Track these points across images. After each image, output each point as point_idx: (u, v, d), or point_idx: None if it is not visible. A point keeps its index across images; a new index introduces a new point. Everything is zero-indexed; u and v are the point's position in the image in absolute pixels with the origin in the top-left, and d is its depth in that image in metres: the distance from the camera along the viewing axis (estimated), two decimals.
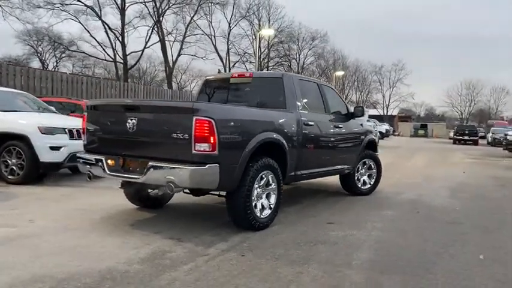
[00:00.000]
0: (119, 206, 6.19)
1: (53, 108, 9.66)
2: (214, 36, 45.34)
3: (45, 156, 7.73)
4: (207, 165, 4.48)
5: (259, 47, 44.43)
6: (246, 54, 48.43)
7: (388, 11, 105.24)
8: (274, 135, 5.32)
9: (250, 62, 47.64)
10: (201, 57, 42.25)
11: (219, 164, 4.55)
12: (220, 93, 6.86)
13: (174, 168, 4.51)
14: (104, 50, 39.75)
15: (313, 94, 6.79)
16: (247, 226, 5.09)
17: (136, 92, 21.31)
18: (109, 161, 5.07)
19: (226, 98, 6.71)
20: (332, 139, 6.87)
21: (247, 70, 48.54)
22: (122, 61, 39.10)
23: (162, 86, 47.34)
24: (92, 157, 5.22)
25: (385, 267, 4.04)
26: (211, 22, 44.58)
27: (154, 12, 38.68)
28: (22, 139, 7.72)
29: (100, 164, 5.10)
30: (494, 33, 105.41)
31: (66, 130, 8.05)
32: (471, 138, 38.36)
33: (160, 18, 39.28)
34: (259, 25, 47.41)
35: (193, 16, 41.79)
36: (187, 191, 5.23)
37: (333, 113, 7.12)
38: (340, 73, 55.55)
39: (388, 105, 74.55)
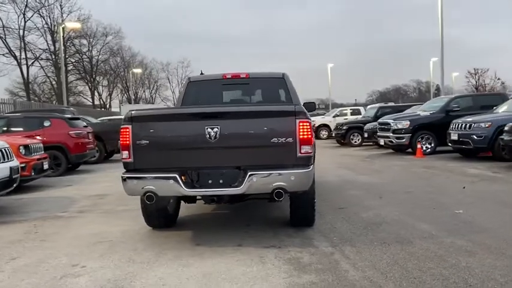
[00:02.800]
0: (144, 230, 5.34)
1: None
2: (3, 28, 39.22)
3: None
4: (311, 167, 4.45)
5: (55, 42, 40.02)
6: (42, 50, 43.09)
7: (175, 7, 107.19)
8: None
9: (47, 59, 42.54)
10: None
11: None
12: (211, 95, 6.47)
13: (283, 173, 4.30)
14: None
15: None
16: (310, 222, 5.15)
17: None
18: (183, 177, 4.40)
19: (220, 99, 6.41)
20: None
21: (42, 68, 43.09)
22: None
23: None
24: (160, 175, 4.41)
25: None
26: None
27: None
28: None
29: (172, 182, 4.36)
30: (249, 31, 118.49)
31: None
32: None
33: None
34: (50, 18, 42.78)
35: None
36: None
37: None
38: (137, 70, 54.46)
39: None
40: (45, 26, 43.78)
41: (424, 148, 13.62)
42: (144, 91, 70.70)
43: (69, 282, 3.72)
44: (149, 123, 4.50)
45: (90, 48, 52.19)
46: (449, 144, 12.67)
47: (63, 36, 36.46)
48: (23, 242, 5.05)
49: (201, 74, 6.62)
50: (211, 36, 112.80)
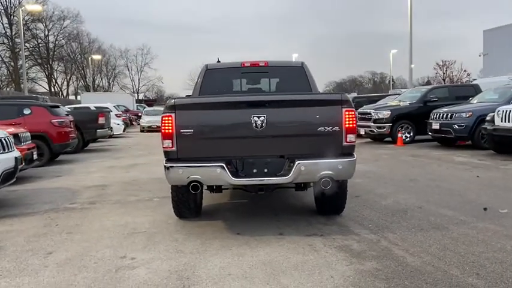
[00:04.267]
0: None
1: None
2: None
3: None
4: (355, 156, 4.51)
5: (11, 25, 37.84)
6: None
7: None
8: None
9: (3, 44, 40.09)
10: None
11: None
12: (230, 83, 6.38)
13: (331, 162, 4.34)
14: None
15: None
16: (340, 210, 5.23)
17: None
18: (228, 166, 4.33)
19: (240, 87, 6.32)
20: None
21: None
22: None
23: None
24: (207, 164, 4.32)
25: None
26: None
27: None
28: None
29: (219, 171, 4.29)
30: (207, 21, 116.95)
31: None
32: None
33: None
34: None
35: None
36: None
37: None
38: (96, 57, 52.59)
39: (138, 89, 74.84)
40: (0, 8, 41.41)
41: (404, 137, 14.06)
42: (101, 78, 68.63)
43: (129, 275, 3.60)
44: (193, 111, 4.40)
45: (47, 33, 49.86)
46: (430, 133, 13.14)
47: (22, 19, 34.56)
48: (49, 236, 4.82)
49: (218, 61, 6.49)
50: (172, 24, 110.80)
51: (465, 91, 15.19)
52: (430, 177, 7.82)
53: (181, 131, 4.33)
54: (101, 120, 14.78)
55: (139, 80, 73.29)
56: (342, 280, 3.40)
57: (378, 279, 3.39)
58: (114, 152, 14.57)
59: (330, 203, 5.13)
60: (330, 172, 4.31)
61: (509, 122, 10.18)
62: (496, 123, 10.44)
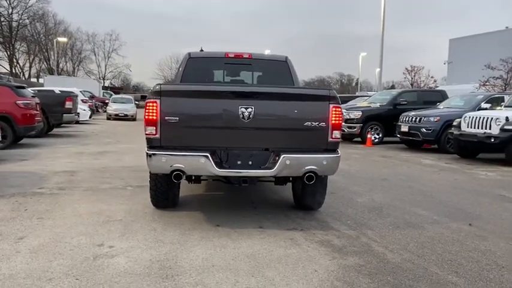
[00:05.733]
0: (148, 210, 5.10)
1: None
2: None
3: None
4: (339, 152, 4.54)
5: None
6: None
7: None
8: None
9: None
10: None
11: None
12: (212, 73, 6.28)
13: (316, 157, 4.34)
14: None
15: None
16: (319, 205, 5.26)
17: None
18: (213, 156, 4.26)
19: (222, 78, 6.23)
20: None
21: None
22: None
23: None
24: (192, 154, 4.22)
25: None
26: None
27: None
28: None
29: (203, 160, 4.21)
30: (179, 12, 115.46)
31: None
32: None
33: None
34: None
35: None
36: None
37: None
38: (62, 39, 50.81)
39: (105, 76, 72.91)
40: None
41: (373, 138, 14.33)
42: (66, 62, 66.34)
43: (108, 263, 3.49)
44: (179, 98, 4.29)
45: (11, 11, 47.76)
46: (398, 135, 13.46)
47: None
48: (18, 220, 4.60)
49: (201, 50, 6.37)
50: (143, 11, 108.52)
51: (433, 96, 15.63)
52: (401, 178, 8.00)
53: (166, 118, 4.22)
54: (68, 104, 14.30)
55: (106, 66, 71.22)
56: (326, 274, 3.41)
57: (361, 275, 3.42)
58: (80, 138, 14.13)
59: (310, 197, 5.15)
60: (315, 167, 4.31)
61: (475, 128, 10.56)
62: (462, 129, 10.80)
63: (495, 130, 10.09)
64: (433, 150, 12.62)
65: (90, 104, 25.34)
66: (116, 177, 7.16)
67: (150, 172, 4.86)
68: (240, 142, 4.36)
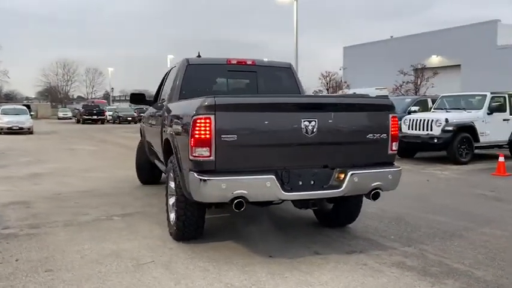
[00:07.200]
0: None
1: None
2: None
3: None
4: (398, 165, 4.26)
5: None
6: None
7: None
8: None
9: None
10: None
11: None
12: (215, 82, 5.60)
13: (382, 172, 4.01)
14: None
15: None
16: (354, 219, 4.95)
17: None
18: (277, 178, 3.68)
19: (225, 87, 5.59)
20: None
21: None
22: None
23: None
24: (257, 177, 3.58)
25: None
26: None
27: None
28: None
29: (269, 184, 3.60)
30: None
31: None
32: (99, 117, 40.00)
33: None
34: None
35: None
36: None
37: None
38: None
39: None
40: None
41: None
42: None
43: None
44: (237, 113, 3.65)
45: None
46: None
47: None
48: (20, 276, 3.55)
49: (199, 56, 5.65)
50: (19, 11, 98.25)
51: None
52: None
53: (222, 136, 3.55)
54: None
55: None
56: None
57: None
58: None
59: (348, 215, 4.81)
60: (381, 183, 3.99)
61: (416, 129, 11.18)
62: (404, 131, 11.32)
63: (437, 131, 10.76)
64: None
65: None
66: (85, 206, 6.07)
67: (177, 200, 4.13)
68: (302, 160, 3.86)
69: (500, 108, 11.44)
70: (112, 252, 4.15)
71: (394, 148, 4.13)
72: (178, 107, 4.51)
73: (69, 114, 53.33)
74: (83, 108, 41.79)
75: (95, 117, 39.62)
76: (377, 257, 4.02)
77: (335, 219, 4.89)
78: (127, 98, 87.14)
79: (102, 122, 40.01)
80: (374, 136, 4.00)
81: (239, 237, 4.61)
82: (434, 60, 33.32)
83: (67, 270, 3.68)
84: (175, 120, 4.30)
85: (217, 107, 3.55)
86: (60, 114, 54.18)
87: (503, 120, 11.47)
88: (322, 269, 3.72)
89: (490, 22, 31.26)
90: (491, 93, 11.56)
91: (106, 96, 78.07)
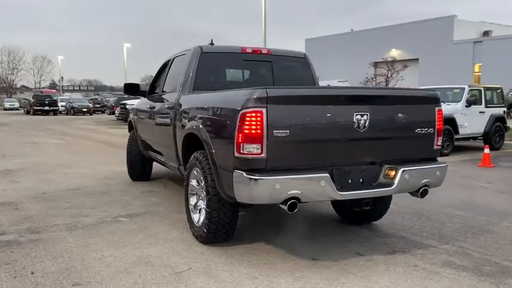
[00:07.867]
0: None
1: None
2: None
3: None
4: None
5: None
6: None
7: None
8: None
9: None
10: None
11: None
12: (230, 71, 5.23)
13: (432, 168, 3.83)
14: None
15: None
16: (382, 215, 4.78)
17: None
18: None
19: (241, 77, 5.23)
20: None
21: None
22: None
23: None
24: (311, 176, 3.28)
25: None
26: None
27: None
28: None
29: (323, 183, 3.32)
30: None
31: None
32: (51, 108, 38.14)
33: None
34: None
35: None
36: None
37: None
38: None
39: None
40: None
41: None
42: None
43: None
44: (290, 106, 3.33)
45: None
46: None
47: None
48: None
49: (211, 44, 5.23)
50: None
51: None
52: None
53: (275, 132, 3.23)
54: None
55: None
56: None
57: None
58: None
59: (378, 212, 4.62)
60: (430, 180, 3.82)
61: None
62: None
63: None
64: None
65: None
66: (81, 206, 5.56)
67: (210, 201, 3.78)
68: (351, 156, 3.61)
69: (476, 101, 11.71)
70: (138, 259, 3.73)
71: (439, 143, 3.97)
72: (210, 99, 4.11)
73: (17, 104, 50.56)
74: (33, 98, 39.56)
75: (47, 108, 37.74)
76: (423, 257, 3.85)
77: (362, 217, 4.69)
78: (76, 88, 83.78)
79: (55, 113, 38.15)
80: (422, 130, 3.82)
81: (266, 238, 4.31)
82: (394, 53, 34.13)
83: (98, 283, 3.24)
84: (208, 113, 3.92)
85: (270, 99, 3.21)
86: (7, 105, 51.19)
87: (479, 112, 11.76)
88: (376, 272, 3.50)
89: (447, 18, 32.36)
90: (469, 86, 11.81)
91: (52, 86, 74.64)
